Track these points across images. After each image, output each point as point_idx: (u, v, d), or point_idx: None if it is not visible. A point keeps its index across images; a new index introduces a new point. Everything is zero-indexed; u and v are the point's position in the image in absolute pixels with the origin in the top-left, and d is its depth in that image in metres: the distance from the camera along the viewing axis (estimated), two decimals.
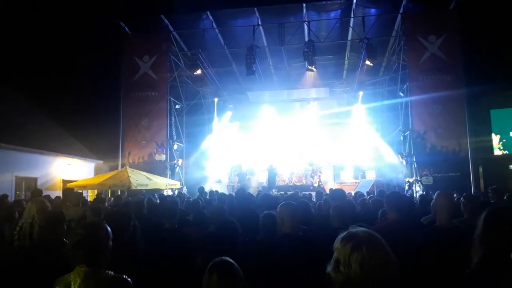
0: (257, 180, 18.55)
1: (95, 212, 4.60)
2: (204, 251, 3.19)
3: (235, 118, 21.22)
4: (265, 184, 17.97)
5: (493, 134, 17.89)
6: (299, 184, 17.79)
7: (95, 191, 14.35)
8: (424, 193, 11.36)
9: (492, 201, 6.23)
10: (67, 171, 16.56)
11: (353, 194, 11.35)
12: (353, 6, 15.85)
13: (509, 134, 17.73)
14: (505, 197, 6.42)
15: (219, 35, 17.31)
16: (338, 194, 5.65)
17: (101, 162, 19.07)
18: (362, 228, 1.68)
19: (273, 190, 15.79)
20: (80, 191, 12.88)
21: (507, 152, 17.77)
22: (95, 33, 18.51)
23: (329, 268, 1.62)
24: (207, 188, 13.91)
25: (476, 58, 16.64)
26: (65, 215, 3.48)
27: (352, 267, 1.52)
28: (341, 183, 17.62)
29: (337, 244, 1.64)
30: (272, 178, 17.46)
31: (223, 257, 2.26)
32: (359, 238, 1.59)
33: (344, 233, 1.65)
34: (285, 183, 18.04)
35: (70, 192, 8.30)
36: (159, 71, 17.17)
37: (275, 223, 3.53)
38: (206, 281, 2.16)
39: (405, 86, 16.07)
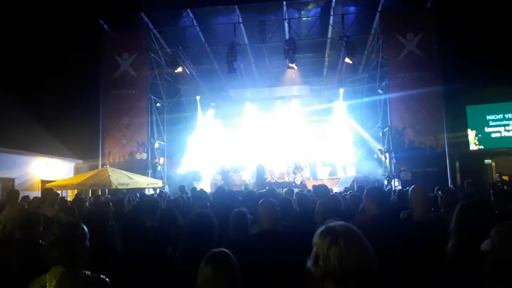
0: (240, 178, 18.53)
1: (69, 212, 4.53)
2: (180, 245, 3.17)
3: (217, 116, 21.16)
4: (248, 182, 18.01)
5: (469, 130, 18.32)
6: (281, 181, 17.87)
7: (75, 191, 14.11)
8: (402, 188, 11.55)
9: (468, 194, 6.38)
10: (45, 171, 16.23)
11: (334, 190, 11.49)
12: (333, 4, 15.97)
13: (484, 129, 18.19)
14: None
15: (200, 32, 17.20)
16: (321, 190, 5.70)
17: (81, 161, 18.74)
18: (340, 222, 1.69)
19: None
20: (58, 191, 12.65)
21: (483, 147, 18.23)
22: (74, 31, 18.14)
23: (309, 263, 1.63)
24: (189, 187, 13.87)
25: (453, 56, 16.98)
26: (40, 216, 3.41)
27: (331, 261, 1.53)
28: (321, 180, 17.76)
29: (316, 238, 1.65)
30: (260, 177, 17.44)
31: (220, 248, 2.25)
32: (337, 232, 1.60)
33: (323, 228, 1.67)
34: (267, 180, 18.11)
35: (48, 192, 8.15)
36: (139, 68, 16.96)
37: (245, 220, 3.54)
38: (202, 271, 2.13)
39: (384, 83, 16.30)
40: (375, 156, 17.69)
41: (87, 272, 2.24)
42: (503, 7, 16.92)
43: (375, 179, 16.58)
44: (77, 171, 18.21)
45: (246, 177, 18.79)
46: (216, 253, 2.19)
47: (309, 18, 16.82)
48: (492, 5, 17.15)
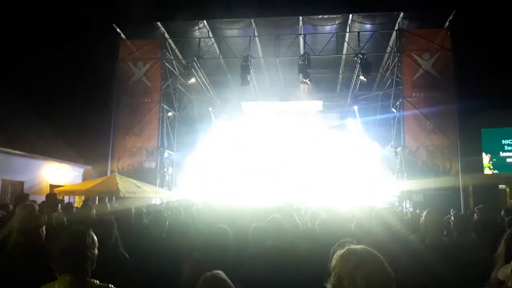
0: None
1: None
2: (192, 259, 3.17)
3: (228, 128, 21.15)
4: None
5: (483, 153, 18.12)
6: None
7: (83, 197, 14.20)
8: (413, 210, 11.41)
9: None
10: (55, 175, 16.39)
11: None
12: (349, 21, 16.08)
13: (499, 153, 17.96)
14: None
15: (215, 44, 17.41)
16: (331, 208, 5.65)
17: (89, 167, 18.90)
18: (360, 246, 1.76)
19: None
20: (66, 196, 12.76)
21: (497, 172, 17.98)
22: (91, 37, 18.50)
23: (329, 286, 1.67)
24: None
25: (469, 78, 16.93)
26: (42, 221, 3.42)
27: (358, 283, 1.57)
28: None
29: (336, 261, 1.69)
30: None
31: (215, 272, 2.22)
32: (360, 255, 1.66)
33: (343, 250, 1.71)
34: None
35: (50, 198, 8.23)
36: (153, 78, 17.17)
37: (264, 235, 3.53)
38: None
39: (398, 102, 16.25)
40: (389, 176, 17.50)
41: (96, 281, 2.24)
42: None
43: (386, 200, 16.40)
44: (85, 177, 18.36)
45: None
46: (210, 278, 2.16)
47: (325, 34, 16.92)
48: (509, 28, 17.11)
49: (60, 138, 18.04)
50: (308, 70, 15.49)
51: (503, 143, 18.04)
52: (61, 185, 14.77)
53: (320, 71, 18.68)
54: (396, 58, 16.29)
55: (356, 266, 1.60)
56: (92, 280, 2.24)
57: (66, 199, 12.72)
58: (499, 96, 16.91)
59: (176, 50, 18.10)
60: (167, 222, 4.43)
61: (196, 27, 16.93)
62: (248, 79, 15.77)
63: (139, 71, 17.16)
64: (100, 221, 3.67)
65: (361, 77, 15.60)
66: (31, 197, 9.06)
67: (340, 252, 1.70)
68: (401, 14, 15.73)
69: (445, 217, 6.88)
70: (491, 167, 18.06)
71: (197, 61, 16.84)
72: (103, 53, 18.14)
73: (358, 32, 16.08)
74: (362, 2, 16.16)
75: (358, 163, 18.85)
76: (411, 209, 13.00)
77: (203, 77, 18.38)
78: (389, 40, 16.83)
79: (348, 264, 1.63)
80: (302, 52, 16.28)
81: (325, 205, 7.50)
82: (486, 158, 18.12)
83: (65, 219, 5.40)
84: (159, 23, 16.78)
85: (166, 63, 17.39)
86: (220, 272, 2.22)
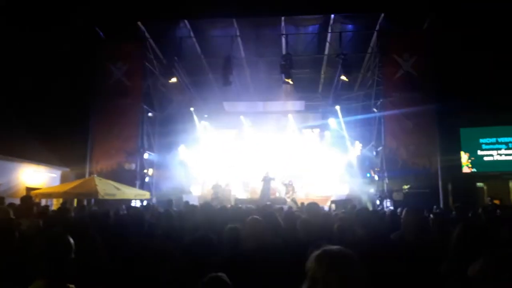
0: (230, 192, 18.39)
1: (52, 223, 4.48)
2: (173, 263, 3.15)
3: (210, 128, 21.08)
4: (238, 197, 17.89)
5: (462, 152, 18.51)
6: (273, 197, 17.79)
7: (61, 200, 13.96)
8: (394, 209, 11.60)
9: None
10: (32, 178, 16.06)
11: (326, 208, 11.49)
12: (331, 21, 16.23)
13: (477, 152, 18.38)
14: (469, 214, 6.66)
15: (196, 44, 17.33)
16: (313, 208, 5.69)
17: (68, 169, 18.56)
18: (335, 246, 1.73)
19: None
20: (43, 199, 12.54)
21: (475, 170, 18.39)
22: (68, 36, 18.13)
23: (305, 287, 1.65)
24: (178, 200, 13.80)
25: (448, 78, 17.26)
26: (16, 225, 3.37)
27: (332, 284, 1.56)
28: (314, 198, 17.72)
29: (311, 263, 1.67)
30: (266, 189, 17.16)
31: (218, 273, 2.22)
32: (335, 256, 1.64)
33: (319, 251, 1.69)
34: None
35: (25, 201, 8.09)
36: (132, 78, 16.97)
37: (238, 237, 3.53)
38: None
39: (379, 102, 16.49)
40: (368, 175, 17.78)
41: (72, 285, 2.22)
42: (499, 31, 17.30)
43: (368, 199, 16.63)
44: (64, 179, 18.03)
45: (237, 192, 18.65)
46: (214, 279, 2.17)
47: (307, 34, 17.04)
48: (488, 30, 17.53)
49: (37, 140, 17.65)
50: (290, 70, 15.57)
51: (480, 141, 18.47)
52: (38, 188, 14.48)
53: (303, 71, 18.80)
54: (377, 59, 16.53)
55: (329, 267, 1.58)
56: (69, 284, 2.21)
57: (44, 202, 12.48)
58: (477, 96, 17.29)
59: (157, 50, 17.93)
60: (147, 225, 4.40)
61: (177, 27, 16.81)
62: (230, 79, 15.75)
63: (119, 71, 16.95)
64: (78, 224, 3.63)
65: (343, 77, 15.76)
66: (7, 200, 8.87)
67: (314, 253, 1.68)
68: (382, 15, 15.96)
69: (425, 215, 7.04)
70: (470, 165, 18.47)
71: (178, 61, 16.74)
72: (81, 53, 17.83)
73: (340, 33, 16.23)
74: (343, 3, 16.30)
75: (338, 163, 19.06)
76: (392, 208, 13.23)
77: (184, 77, 18.27)
78: (370, 40, 17.06)
79: (322, 265, 1.61)
80: (284, 52, 16.36)
81: (306, 205, 7.54)
82: (464, 157, 18.52)
83: (40, 222, 5.30)
84: (139, 23, 16.61)
85: (147, 63, 17.22)
86: (222, 274, 2.21)
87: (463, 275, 2.21)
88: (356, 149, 18.84)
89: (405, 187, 15.18)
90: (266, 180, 17.09)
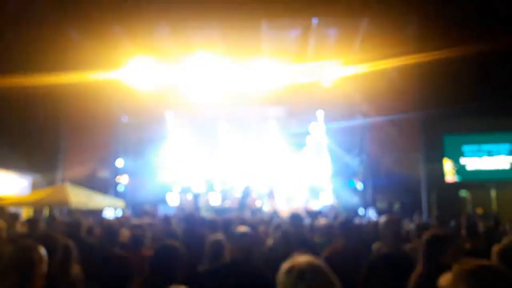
0: (207, 201, 18.37)
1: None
2: (142, 276, 3.19)
3: (188, 133, 20.94)
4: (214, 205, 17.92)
5: (445, 160, 18.91)
6: (253, 207, 17.83)
7: (31, 209, 13.72)
8: (378, 217, 11.82)
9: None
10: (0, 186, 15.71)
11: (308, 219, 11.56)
12: (314, 26, 16.44)
13: (460, 160, 18.82)
14: (452, 224, 6.88)
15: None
16: (296, 219, 5.76)
17: (39, 177, 18.18)
18: (305, 257, 1.76)
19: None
20: (12, 208, 12.32)
21: (459, 179, 18.83)
22: (38, 37, 17.83)
23: None
24: (154, 208, 13.73)
25: (432, 83, 17.63)
26: None
27: None
28: (295, 208, 17.82)
29: (281, 276, 1.71)
30: (244, 200, 17.42)
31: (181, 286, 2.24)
32: (302, 268, 1.67)
33: (287, 263, 1.73)
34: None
35: None
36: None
37: (221, 250, 3.60)
38: None
39: (363, 108, 16.77)
40: (352, 184, 18.01)
41: None
42: (488, 34, 17.75)
43: (351, 208, 16.84)
44: (34, 187, 17.65)
45: (215, 201, 18.63)
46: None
47: (289, 38, 17.20)
48: (474, 32, 17.96)
49: (6, 145, 17.24)
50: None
51: (464, 149, 18.93)
52: (7, 197, 14.21)
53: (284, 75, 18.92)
54: (362, 64, 16.79)
55: (296, 281, 1.62)
56: None
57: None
58: (461, 102, 17.68)
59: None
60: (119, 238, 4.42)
61: (154, 28, 16.74)
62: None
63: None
64: (47, 235, 3.63)
65: (326, 83, 16.01)
66: None
67: (284, 266, 1.72)
68: (365, 20, 16.26)
69: (406, 224, 7.24)
70: (453, 174, 18.90)
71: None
72: (49, 54, 17.53)
73: (321, 37, 16.45)
74: (324, 7, 16.53)
75: (320, 171, 19.26)
76: (376, 216, 13.47)
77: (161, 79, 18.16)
78: (353, 45, 17.33)
79: (289, 278, 1.64)
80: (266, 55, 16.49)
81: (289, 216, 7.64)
82: (448, 164, 18.94)
83: (7, 233, 5.25)
84: (115, 24, 16.47)
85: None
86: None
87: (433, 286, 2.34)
88: (338, 157, 19.05)
89: (397, 205, 15.44)
90: (245, 192, 17.32)
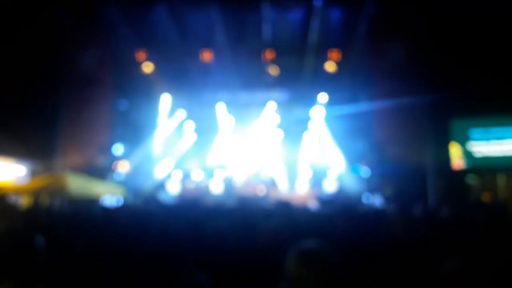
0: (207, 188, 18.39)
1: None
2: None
3: (188, 118, 20.82)
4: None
5: (453, 146, 18.79)
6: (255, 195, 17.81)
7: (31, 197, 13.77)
8: (383, 204, 11.85)
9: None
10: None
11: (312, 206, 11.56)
12: (318, 7, 16.27)
13: (469, 146, 18.65)
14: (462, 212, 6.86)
15: (172, 28, 17.13)
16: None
17: (37, 164, 18.24)
18: (310, 243, 1.83)
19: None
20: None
21: (467, 165, 18.73)
22: (32, 22, 17.69)
23: (282, 285, 1.76)
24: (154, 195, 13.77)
25: (440, 68, 17.48)
26: None
27: (305, 281, 1.65)
28: (298, 195, 17.82)
29: (288, 260, 1.77)
30: (228, 188, 17.47)
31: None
32: (308, 253, 1.74)
33: (294, 249, 1.79)
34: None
35: None
36: (103, 65, 16.76)
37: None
38: None
39: (368, 93, 16.66)
40: (356, 170, 17.97)
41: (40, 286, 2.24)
42: (494, 18, 17.54)
43: (354, 195, 16.85)
44: (33, 174, 17.72)
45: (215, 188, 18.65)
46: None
47: (293, 21, 17.05)
48: (483, 16, 17.76)
49: (5, 133, 17.26)
50: (273, 58, 15.61)
51: (472, 135, 18.76)
52: (6, 183, 14.29)
53: (287, 59, 18.78)
54: (367, 47, 16.67)
55: (302, 266, 1.69)
56: (38, 285, 2.24)
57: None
58: (471, 86, 17.53)
59: (130, 36, 17.66)
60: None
61: (153, 11, 16.60)
62: (210, 67, 15.72)
63: (88, 58, 16.69)
64: (48, 223, 3.64)
65: (330, 66, 15.89)
66: None
67: (291, 251, 1.78)
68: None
69: (413, 215, 7.24)
70: (461, 160, 18.80)
71: (153, 47, 16.59)
72: (47, 40, 17.44)
73: (328, 20, 16.28)
74: None
75: (323, 157, 19.22)
76: (382, 202, 13.50)
77: (160, 65, 18.08)
78: (359, 27, 17.16)
79: (295, 263, 1.71)
80: (267, 38, 16.35)
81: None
82: (456, 150, 18.82)
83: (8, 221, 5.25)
84: (110, 7, 16.31)
85: (119, 50, 16.98)
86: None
87: (438, 272, 2.33)
88: (343, 143, 18.98)
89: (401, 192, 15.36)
90: (227, 180, 17.32)
